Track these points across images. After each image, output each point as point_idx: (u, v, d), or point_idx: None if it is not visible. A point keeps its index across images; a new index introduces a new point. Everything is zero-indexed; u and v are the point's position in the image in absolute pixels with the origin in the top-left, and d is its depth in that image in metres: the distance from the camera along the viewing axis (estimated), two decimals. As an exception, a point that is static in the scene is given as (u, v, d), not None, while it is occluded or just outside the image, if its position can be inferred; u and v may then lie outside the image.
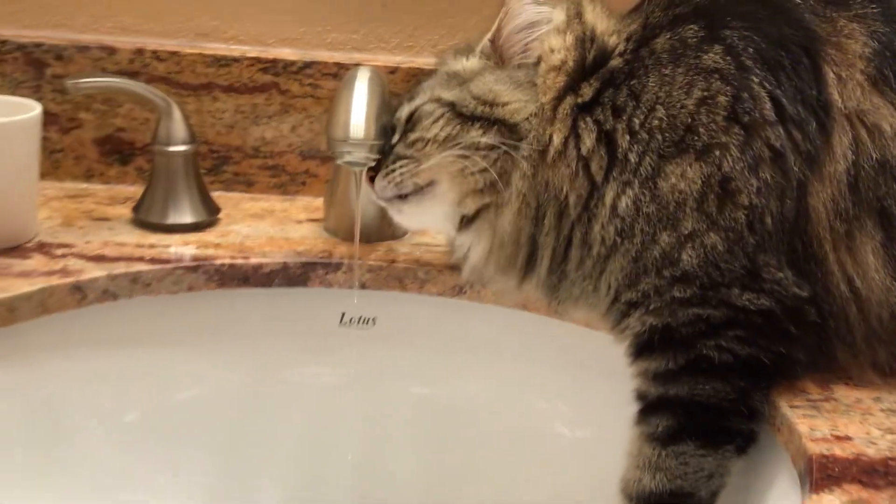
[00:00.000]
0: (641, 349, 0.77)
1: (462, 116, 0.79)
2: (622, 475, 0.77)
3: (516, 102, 0.79)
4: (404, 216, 0.86)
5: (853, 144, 0.72)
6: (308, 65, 1.11)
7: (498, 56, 0.83)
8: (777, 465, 0.74)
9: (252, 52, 1.12)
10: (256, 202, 1.13)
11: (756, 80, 0.72)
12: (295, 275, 0.96)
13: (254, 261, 0.95)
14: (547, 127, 0.77)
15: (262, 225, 1.05)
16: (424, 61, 1.14)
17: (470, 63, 0.84)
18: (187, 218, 1.02)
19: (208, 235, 1.01)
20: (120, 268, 0.91)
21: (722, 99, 0.73)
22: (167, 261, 0.94)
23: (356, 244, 0.93)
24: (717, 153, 0.72)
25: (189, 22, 1.12)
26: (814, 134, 0.72)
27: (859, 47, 0.73)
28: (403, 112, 0.83)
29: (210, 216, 1.04)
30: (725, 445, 0.74)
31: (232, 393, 0.98)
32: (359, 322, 1.00)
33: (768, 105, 0.72)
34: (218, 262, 0.94)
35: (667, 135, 0.73)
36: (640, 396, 0.77)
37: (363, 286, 0.97)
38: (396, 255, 0.98)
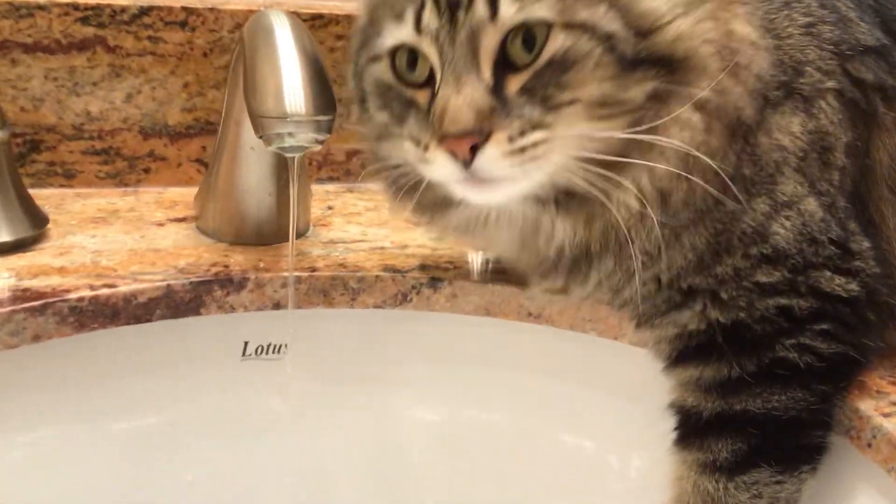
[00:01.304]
0: (691, 352, 0.62)
1: (622, 61, 0.52)
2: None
3: (684, 21, 0.54)
4: (486, 195, 0.57)
5: None
6: (145, 11, 0.83)
7: None
8: (857, 482, 0.61)
9: (63, -5, 0.82)
10: (87, 200, 0.84)
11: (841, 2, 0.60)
12: (183, 301, 0.70)
13: (123, 288, 0.68)
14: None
15: (110, 232, 0.78)
16: (293, 2, 0.90)
17: None
18: (3, 234, 0.72)
19: (41, 256, 0.72)
20: (-74, 322, 0.61)
21: (825, 28, 0.59)
22: (-4, 302, 0.65)
23: (291, 251, 0.69)
24: (822, 102, 0.59)
25: (-38, -45, 0.80)
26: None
27: None
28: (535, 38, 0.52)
29: (36, 229, 0.74)
30: (803, 466, 0.61)
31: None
32: (268, 351, 0.76)
33: (863, 29, 0.59)
34: (71, 295, 0.67)
35: (774, 75, 0.58)
36: (686, 413, 0.63)
37: (277, 305, 0.73)
38: (313, 260, 0.75)
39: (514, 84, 0.52)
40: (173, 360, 0.74)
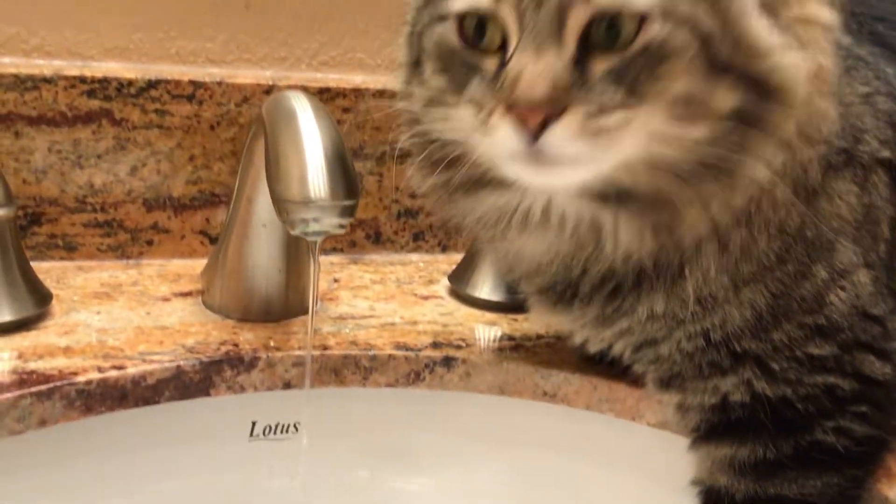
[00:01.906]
0: (726, 427, 0.60)
1: (714, 64, 0.49)
2: None
3: (785, 55, 0.51)
4: (548, 177, 0.52)
5: None
6: (152, 84, 0.82)
7: None
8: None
9: (70, 68, 0.81)
10: (88, 273, 0.83)
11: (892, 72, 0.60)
12: (192, 382, 0.69)
13: (132, 370, 0.66)
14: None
15: (115, 309, 0.76)
16: (302, 76, 0.90)
17: None
18: (5, 313, 0.70)
19: (46, 335, 0.70)
20: (-70, 409, 0.59)
21: (880, 99, 0.59)
22: (2, 386, 0.63)
23: (310, 330, 0.67)
24: (876, 175, 0.58)
25: (-31, 27, 0.79)
26: None
27: None
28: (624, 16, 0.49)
29: (39, 307, 0.72)
30: None
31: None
32: (276, 431, 0.74)
33: None
34: (79, 378, 0.65)
35: (837, 139, 0.57)
36: (716, 495, 0.61)
37: (287, 385, 0.72)
38: (324, 338, 0.74)
39: (600, 65, 0.48)
40: (179, 440, 0.72)
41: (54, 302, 0.75)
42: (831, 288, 0.58)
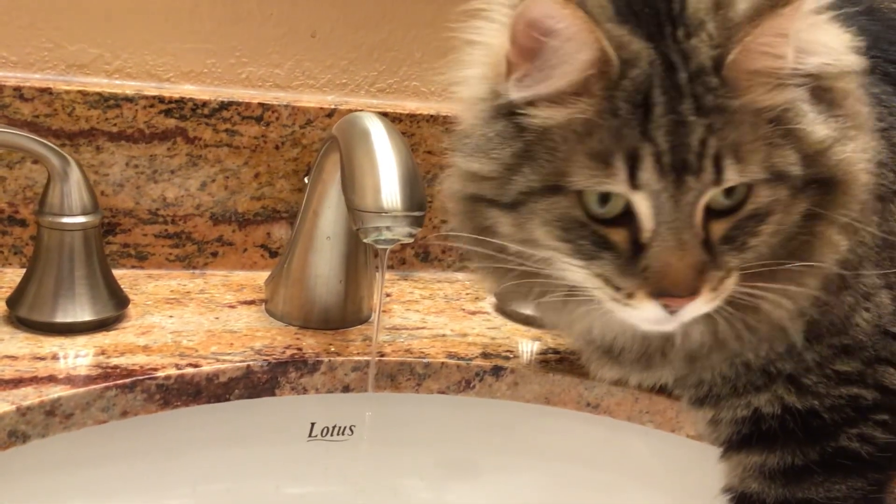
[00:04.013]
0: (757, 437, 0.65)
1: (795, 190, 0.54)
2: None
3: (845, 146, 0.55)
4: (666, 327, 0.57)
5: None
6: (224, 105, 0.88)
7: None
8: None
9: (149, 89, 0.87)
10: (158, 281, 0.88)
11: None
12: (260, 381, 0.74)
13: (206, 368, 0.71)
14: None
15: (186, 313, 0.81)
16: (361, 101, 0.95)
17: None
18: (87, 313, 0.76)
19: (125, 335, 0.76)
20: (28, 395, 0.64)
21: (895, 133, 0.63)
22: (90, 378, 0.68)
23: (375, 335, 0.72)
24: (893, 205, 0.62)
25: (58, 50, 0.85)
26: None
27: None
28: (737, 193, 0.53)
29: (118, 309, 0.78)
30: None
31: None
32: (333, 433, 0.78)
33: None
34: (159, 373, 0.70)
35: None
36: (749, 500, 0.65)
37: (346, 388, 0.76)
38: (380, 346, 0.78)
39: (718, 232, 0.53)
40: (244, 439, 0.76)
41: (130, 306, 0.80)
42: (857, 310, 0.62)
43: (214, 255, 0.92)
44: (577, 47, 0.51)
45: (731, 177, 0.51)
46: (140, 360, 0.71)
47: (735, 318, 0.58)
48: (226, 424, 0.75)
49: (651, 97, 0.51)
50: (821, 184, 0.54)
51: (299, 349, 0.76)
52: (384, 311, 0.87)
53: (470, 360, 0.78)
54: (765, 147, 0.52)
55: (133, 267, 0.90)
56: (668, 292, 0.52)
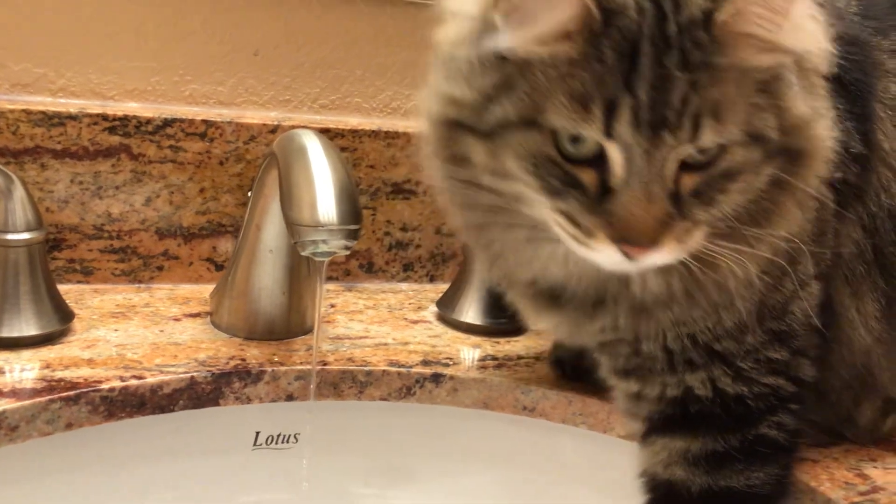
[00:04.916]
0: (681, 420, 0.65)
1: (768, 155, 0.55)
2: None
3: (819, 124, 0.57)
4: (625, 268, 0.56)
5: (884, 186, 0.67)
6: (168, 122, 0.90)
7: None
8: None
9: (93, 107, 0.88)
10: (104, 295, 0.89)
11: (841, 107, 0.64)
12: (204, 392, 0.75)
13: (150, 380, 0.73)
14: None
15: (131, 327, 0.83)
16: (304, 118, 0.98)
17: None
18: (32, 328, 0.77)
19: (69, 348, 0.77)
20: (-29, 410, 0.65)
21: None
22: (35, 391, 0.69)
23: (315, 344, 0.74)
24: (828, 191, 0.64)
25: (2, 69, 0.87)
26: (862, 171, 0.66)
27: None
28: (705, 143, 0.53)
29: (63, 323, 0.79)
30: None
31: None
32: (277, 441, 0.80)
33: (856, 139, 0.65)
34: (103, 385, 0.71)
35: None
36: (672, 488, 0.66)
37: (290, 397, 0.78)
38: (323, 355, 0.81)
39: (688, 185, 0.53)
40: (190, 449, 0.78)
41: (75, 320, 0.81)
42: (794, 299, 0.64)
43: (160, 269, 0.94)
44: None
45: (708, 136, 0.52)
46: (84, 372, 0.73)
47: (692, 275, 0.58)
48: (171, 435, 0.76)
49: (639, 47, 0.51)
50: (791, 154, 0.56)
51: (243, 360, 0.78)
52: (328, 322, 0.90)
53: (410, 367, 0.80)
54: (747, 108, 0.52)
55: (79, 282, 0.91)
56: (629, 240, 0.53)
